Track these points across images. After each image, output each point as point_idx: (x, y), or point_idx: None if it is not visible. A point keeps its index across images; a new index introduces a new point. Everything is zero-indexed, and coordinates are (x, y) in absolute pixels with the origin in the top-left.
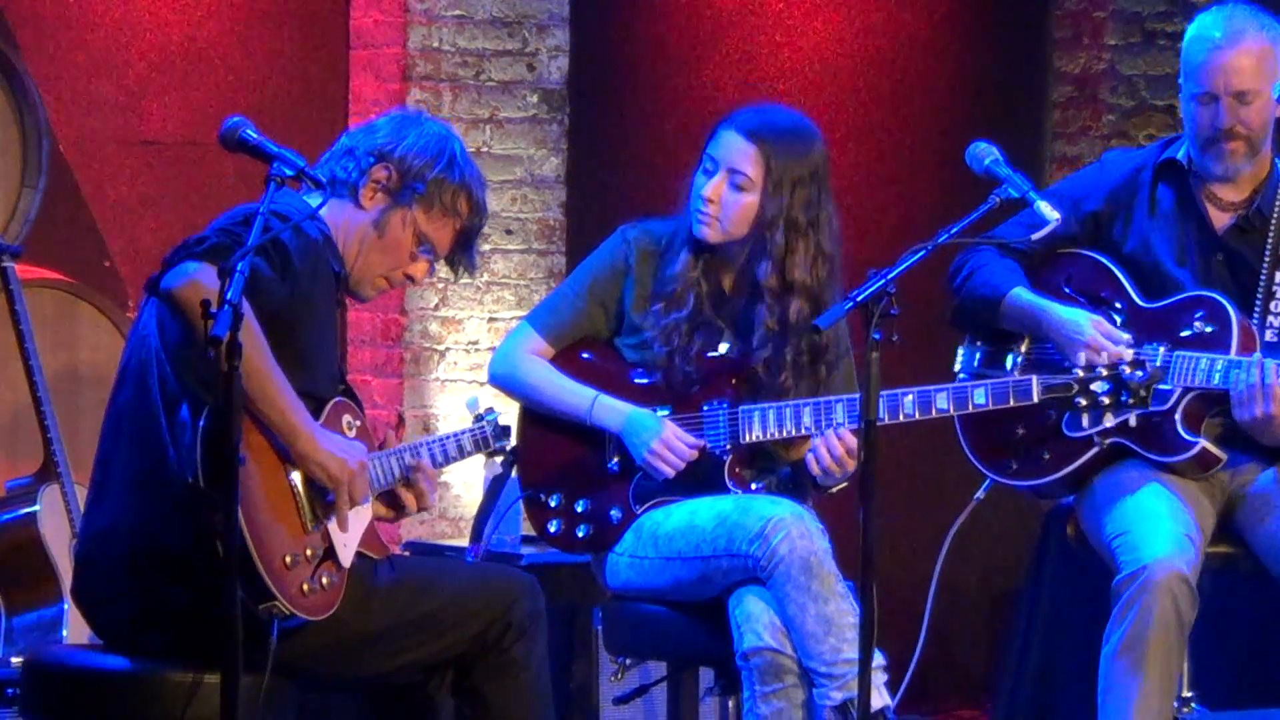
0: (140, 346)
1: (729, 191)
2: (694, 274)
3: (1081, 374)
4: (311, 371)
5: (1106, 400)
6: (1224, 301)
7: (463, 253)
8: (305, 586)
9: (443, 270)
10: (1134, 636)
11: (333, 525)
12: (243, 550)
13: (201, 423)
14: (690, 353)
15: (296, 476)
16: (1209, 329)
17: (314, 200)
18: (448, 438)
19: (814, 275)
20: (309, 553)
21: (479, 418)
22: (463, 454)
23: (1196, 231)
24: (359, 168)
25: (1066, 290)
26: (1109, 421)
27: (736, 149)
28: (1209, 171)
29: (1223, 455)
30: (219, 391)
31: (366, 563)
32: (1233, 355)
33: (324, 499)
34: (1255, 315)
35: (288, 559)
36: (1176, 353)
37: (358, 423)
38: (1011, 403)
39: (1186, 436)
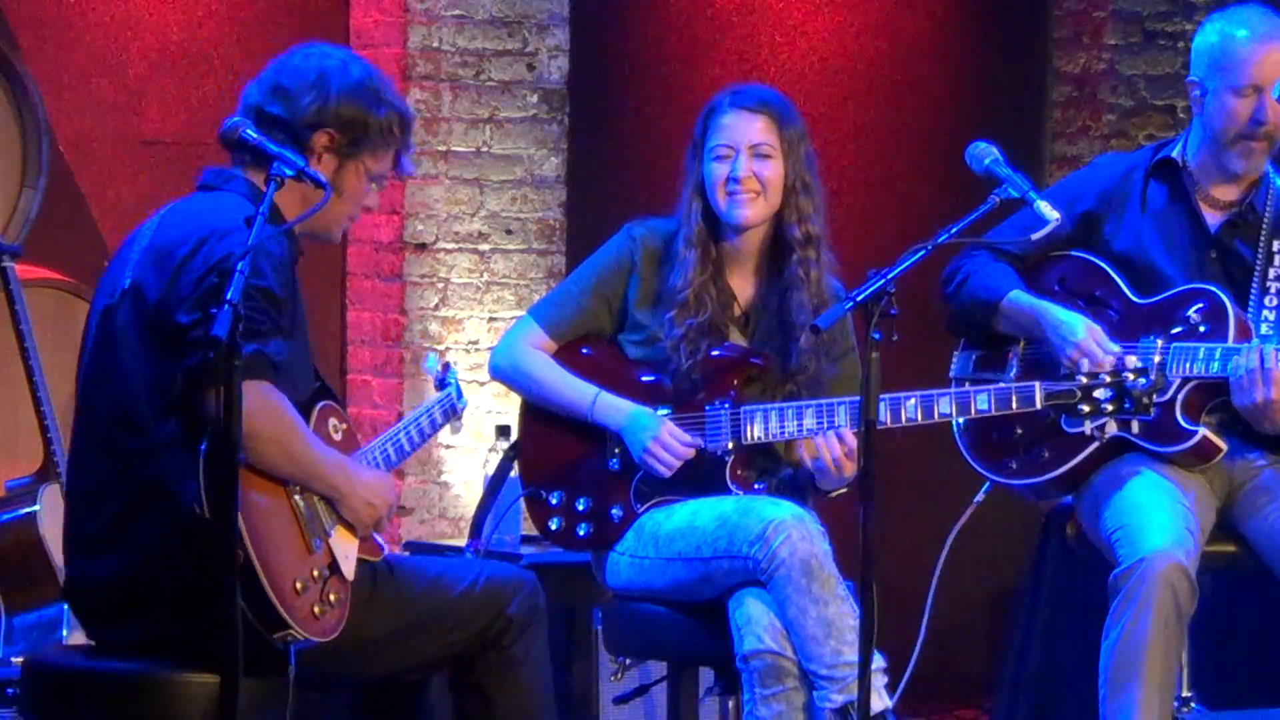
0: (115, 361)
1: (758, 165)
2: (704, 277)
3: (1085, 380)
4: (293, 381)
5: (1109, 407)
6: (1220, 293)
7: (397, 165)
8: (316, 609)
9: (443, 270)
10: (1134, 629)
11: (334, 540)
12: (254, 582)
13: (203, 447)
14: (698, 357)
15: (299, 498)
16: (1204, 326)
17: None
18: (418, 416)
19: (820, 225)
20: (315, 574)
21: (442, 381)
22: (435, 428)
23: (1190, 228)
24: (301, 142)
25: (1059, 290)
26: (1111, 427)
27: (749, 125)
28: (1227, 169)
29: (1223, 445)
30: (218, 398)
31: (365, 569)
32: (1229, 344)
33: (320, 517)
34: (1250, 310)
35: (298, 585)
36: (1174, 344)
37: (344, 426)
38: (1014, 408)
39: (1187, 426)
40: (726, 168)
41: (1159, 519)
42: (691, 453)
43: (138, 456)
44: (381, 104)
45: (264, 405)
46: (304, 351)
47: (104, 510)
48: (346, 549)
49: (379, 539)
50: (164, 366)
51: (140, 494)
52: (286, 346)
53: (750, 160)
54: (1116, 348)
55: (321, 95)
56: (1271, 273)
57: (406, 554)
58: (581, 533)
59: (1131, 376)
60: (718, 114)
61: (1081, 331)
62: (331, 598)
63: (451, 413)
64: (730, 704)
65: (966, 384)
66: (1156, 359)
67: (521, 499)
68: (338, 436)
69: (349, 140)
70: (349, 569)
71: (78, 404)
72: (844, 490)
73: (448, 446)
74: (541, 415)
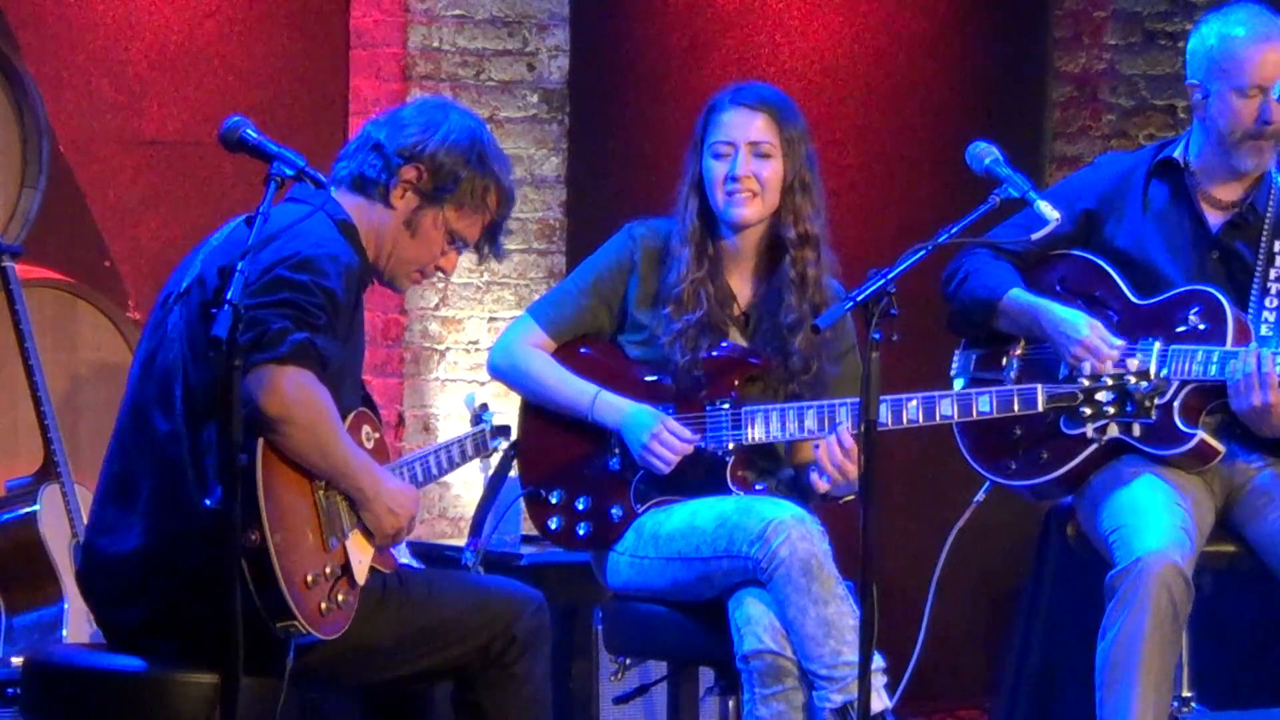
0: (166, 349)
1: (757, 163)
2: (699, 274)
3: (1087, 383)
4: (340, 387)
5: (1111, 410)
6: (1218, 295)
7: (490, 243)
8: (323, 605)
9: None
10: (1130, 630)
11: (350, 542)
12: (267, 567)
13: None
14: (698, 356)
15: (322, 493)
16: (1204, 326)
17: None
18: (450, 444)
19: (820, 225)
20: (328, 570)
21: (478, 418)
22: (465, 459)
23: (1191, 229)
24: (388, 168)
25: (1059, 290)
26: (1112, 430)
27: (748, 122)
28: (1234, 168)
29: (1221, 447)
30: (222, 393)
31: (375, 577)
32: (1228, 347)
33: (341, 516)
34: (1250, 311)
35: (309, 578)
36: (1173, 346)
37: (376, 435)
38: (1016, 410)
39: (1185, 429)
40: (725, 166)
41: (1156, 520)
42: (690, 449)
43: (168, 439)
44: (483, 166)
45: (303, 393)
46: (354, 369)
47: (131, 491)
48: (361, 553)
49: (394, 551)
50: (207, 352)
51: (166, 476)
52: (338, 349)
53: (749, 159)
54: (1120, 342)
55: (428, 135)
56: (1272, 274)
57: (410, 559)
58: (581, 532)
59: (1134, 379)
60: (718, 110)
61: (1085, 329)
62: (339, 598)
63: (483, 447)
64: (730, 704)
65: (966, 384)
66: (1154, 361)
67: (521, 498)
68: (369, 445)
69: (435, 185)
70: (360, 573)
71: (129, 389)
72: (852, 497)
73: None
74: (541, 415)
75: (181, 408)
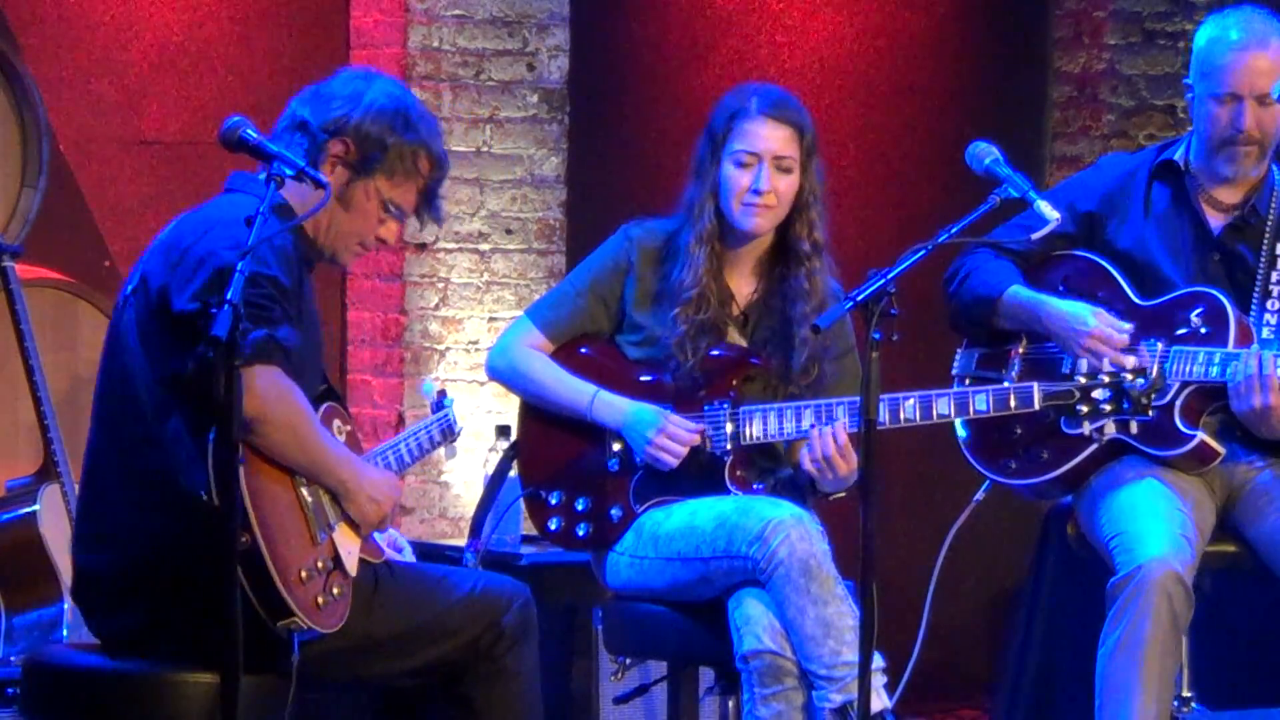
0: (122, 351)
1: (779, 177)
2: (707, 276)
3: (1083, 380)
4: (302, 375)
5: (1108, 408)
6: (1221, 297)
7: (427, 207)
8: (320, 599)
9: (443, 269)
10: (1130, 637)
11: (338, 535)
12: (261, 568)
13: (211, 436)
14: (698, 355)
15: (305, 489)
16: (1206, 329)
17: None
18: (417, 431)
19: (825, 231)
20: (320, 564)
21: (439, 404)
22: (433, 445)
23: (1192, 231)
24: (315, 144)
25: (1062, 290)
26: (1110, 429)
27: (775, 136)
28: (1217, 174)
29: (1221, 449)
30: (217, 398)
31: (366, 569)
32: (1230, 349)
33: (325, 509)
34: (1251, 313)
35: (303, 573)
36: (1174, 347)
37: (348, 427)
38: (1013, 408)
39: (1185, 430)
40: (747, 177)
41: (1156, 526)
42: (696, 440)
43: (141, 444)
44: (410, 131)
45: (276, 390)
46: (312, 353)
47: (110, 499)
48: (349, 545)
49: (379, 541)
50: (165, 353)
51: (144, 482)
52: (296, 336)
53: (773, 173)
54: (1128, 325)
55: (351, 106)
56: (1274, 276)
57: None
58: (581, 533)
59: (1130, 377)
60: (744, 118)
61: (1091, 318)
62: (335, 590)
63: (449, 433)
64: (730, 704)
65: (967, 382)
66: (1156, 362)
67: (521, 499)
68: (341, 438)
69: (362, 156)
70: (351, 564)
71: (95, 396)
72: (842, 494)
73: None
74: (541, 415)
75: (149, 409)
